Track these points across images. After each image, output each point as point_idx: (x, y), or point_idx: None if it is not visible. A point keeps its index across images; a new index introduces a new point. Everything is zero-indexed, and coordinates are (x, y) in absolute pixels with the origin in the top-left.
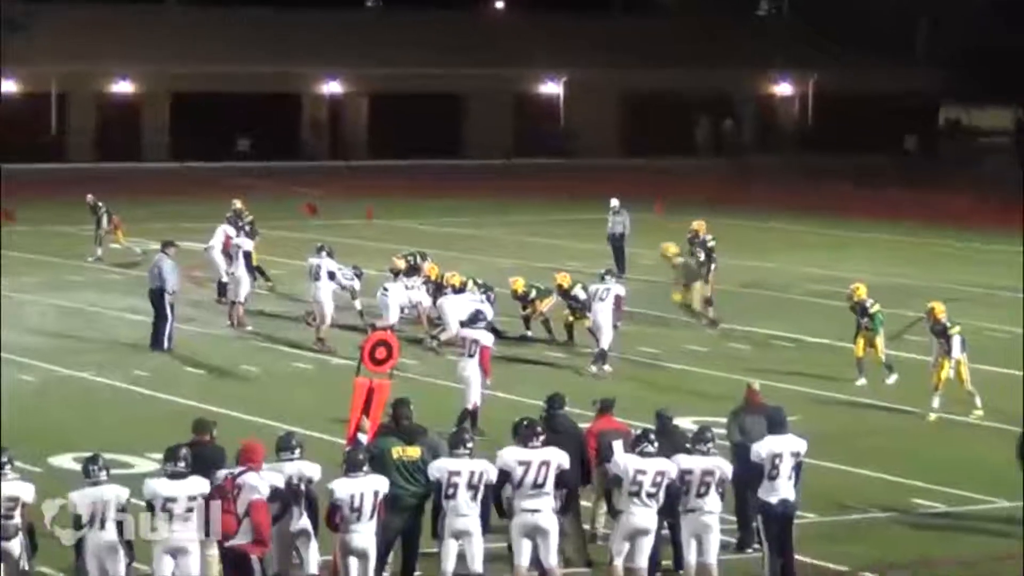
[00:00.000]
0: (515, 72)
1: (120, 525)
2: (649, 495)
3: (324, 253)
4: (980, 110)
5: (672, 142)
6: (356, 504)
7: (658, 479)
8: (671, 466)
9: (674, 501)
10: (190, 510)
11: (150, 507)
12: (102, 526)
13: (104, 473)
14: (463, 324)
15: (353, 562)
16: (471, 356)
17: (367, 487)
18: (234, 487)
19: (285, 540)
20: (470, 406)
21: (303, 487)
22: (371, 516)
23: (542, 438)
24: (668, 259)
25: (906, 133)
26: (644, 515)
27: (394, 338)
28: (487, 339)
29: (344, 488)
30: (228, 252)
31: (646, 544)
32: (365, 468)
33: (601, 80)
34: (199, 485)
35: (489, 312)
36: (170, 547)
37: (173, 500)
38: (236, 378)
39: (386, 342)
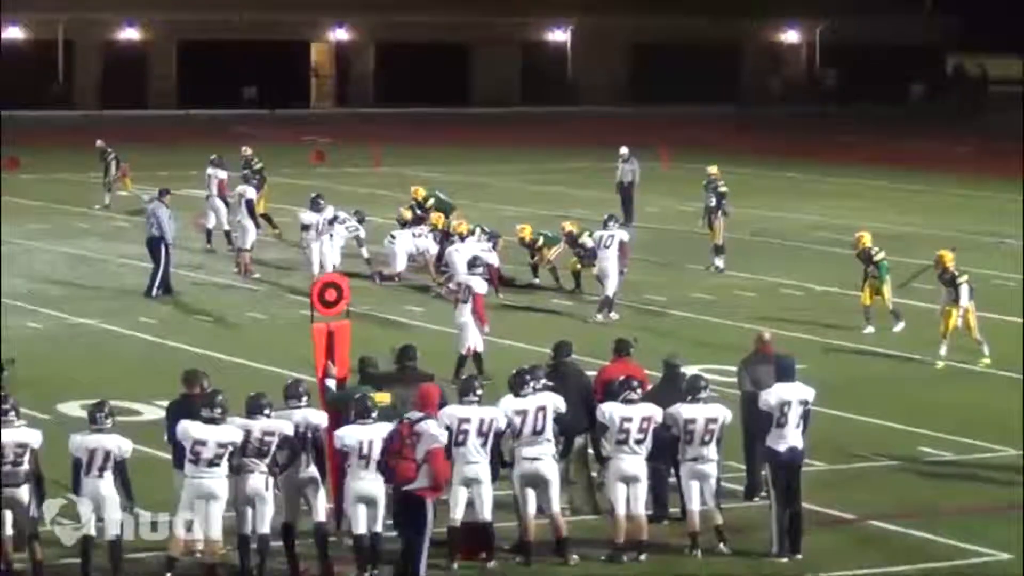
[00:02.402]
0: (522, 20)
1: (120, 475)
2: (637, 441)
3: (316, 205)
4: (988, 58)
5: (679, 90)
6: (364, 451)
7: (644, 425)
8: (656, 411)
9: (663, 445)
10: (219, 456)
11: (179, 448)
12: (100, 474)
13: (110, 421)
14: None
15: (361, 508)
16: (464, 302)
17: (375, 434)
18: (412, 434)
19: (293, 488)
20: (464, 351)
21: (310, 435)
22: (379, 463)
23: (533, 384)
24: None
25: (913, 82)
26: (632, 462)
27: (343, 278)
28: (480, 286)
29: (352, 435)
30: (224, 197)
31: (640, 491)
32: (374, 415)
33: (608, 28)
34: (231, 433)
35: (495, 260)
36: (197, 493)
37: (202, 444)
38: (243, 325)
39: (335, 283)
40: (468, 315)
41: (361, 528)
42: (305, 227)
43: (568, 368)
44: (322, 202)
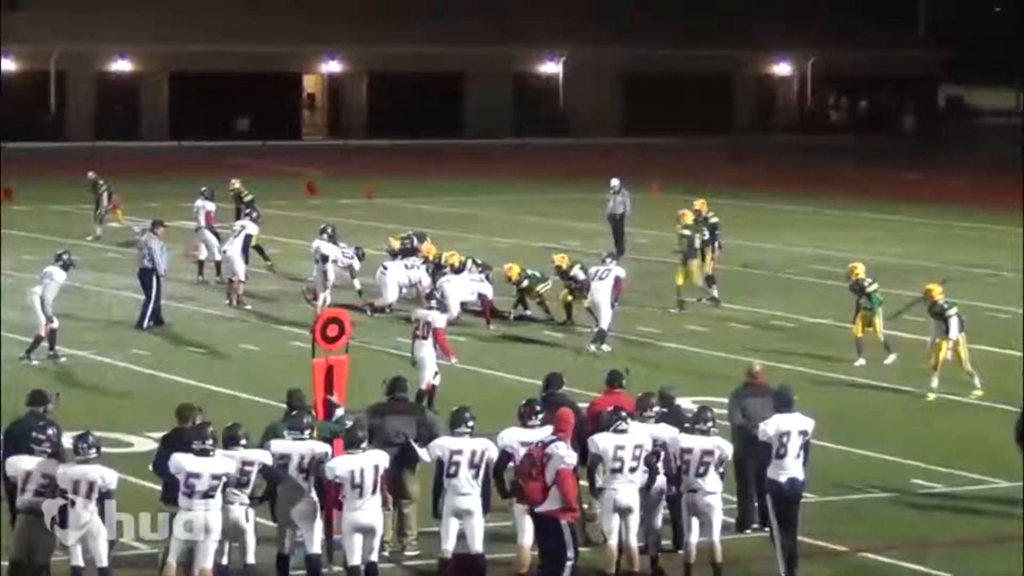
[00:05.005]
0: (515, 51)
1: (103, 507)
2: (631, 470)
3: (324, 236)
4: (981, 90)
5: (670, 121)
6: (357, 480)
7: (637, 452)
8: (647, 438)
9: (654, 473)
10: (213, 488)
11: (172, 481)
12: (85, 505)
13: (94, 451)
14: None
15: (357, 539)
16: (424, 338)
17: (367, 462)
18: (543, 456)
19: (289, 519)
20: (423, 386)
21: (314, 466)
22: (373, 491)
23: (541, 416)
24: (678, 228)
25: (906, 113)
26: (627, 491)
27: (345, 314)
28: (439, 320)
29: (344, 465)
30: (212, 228)
31: (633, 522)
32: (364, 445)
33: (600, 59)
34: (224, 465)
35: (489, 291)
36: (192, 524)
37: (196, 476)
38: (235, 357)
39: (337, 319)
40: (427, 351)
41: (355, 559)
42: (311, 254)
43: (560, 400)
44: (319, 236)
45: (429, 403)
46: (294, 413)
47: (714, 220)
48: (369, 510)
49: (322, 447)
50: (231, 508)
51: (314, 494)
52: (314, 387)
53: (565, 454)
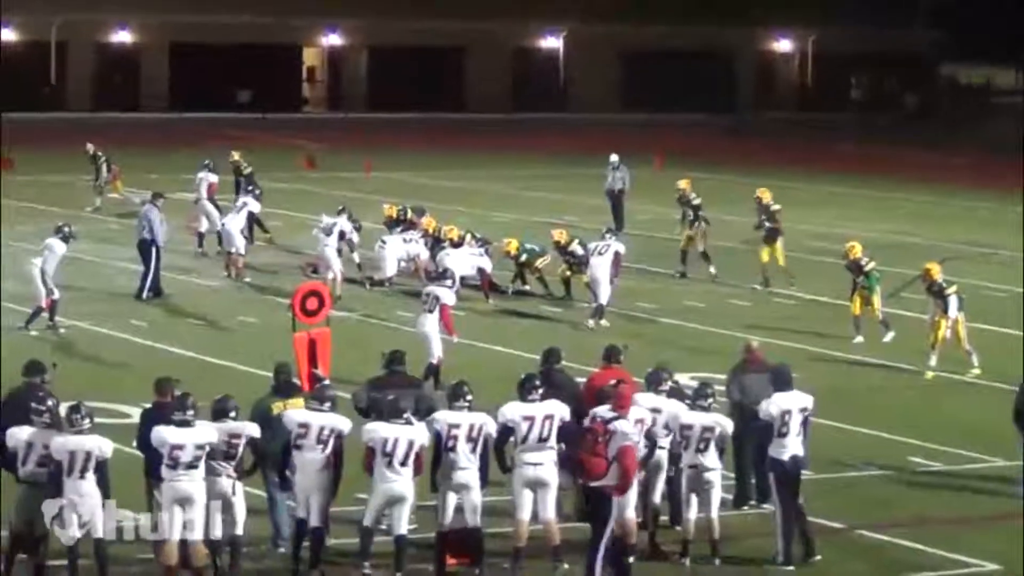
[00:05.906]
0: (515, 26)
1: (100, 478)
2: None
3: (343, 215)
4: (981, 69)
5: (670, 97)
6: (388, 449)
7: (636, 427)
8: (646, 414)
9: (653, 446)
10: (197, 458)
11: (156, 454)
12: (81, 476)
13: (87, 421)
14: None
15: (381, 507)
16: (430, 312)
17: (403, 435)
18: (605, 432)
19: (306, 489)
20: (435, 360)
21: (334, 439)
22: (403, 463)
23: (541, 391)
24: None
25: (906, 91)
26: None
27: (324, 286)
28: (448, 297)
29: (379, 431)
30: (214, 200)
31: (630, 496)
32: (406, 415)
33: (601, 35)
34: (206, 434)
35: (488, 265)
36: (176, 496)
37: (180, 448)
38: (233, 329)
39: (316, 292)
40: (431, 325)
41: (368, 521)
42: (323, 229)
43: (558, 375)
44: (337, 214)
45: (436, 379)
46: (318, 386)
47: (697, 202)
48: (398, 481)
49: (343, 421)
50: (218, 480)
51: (330, 466)
52: (298, 361)
53: (630, 431)
